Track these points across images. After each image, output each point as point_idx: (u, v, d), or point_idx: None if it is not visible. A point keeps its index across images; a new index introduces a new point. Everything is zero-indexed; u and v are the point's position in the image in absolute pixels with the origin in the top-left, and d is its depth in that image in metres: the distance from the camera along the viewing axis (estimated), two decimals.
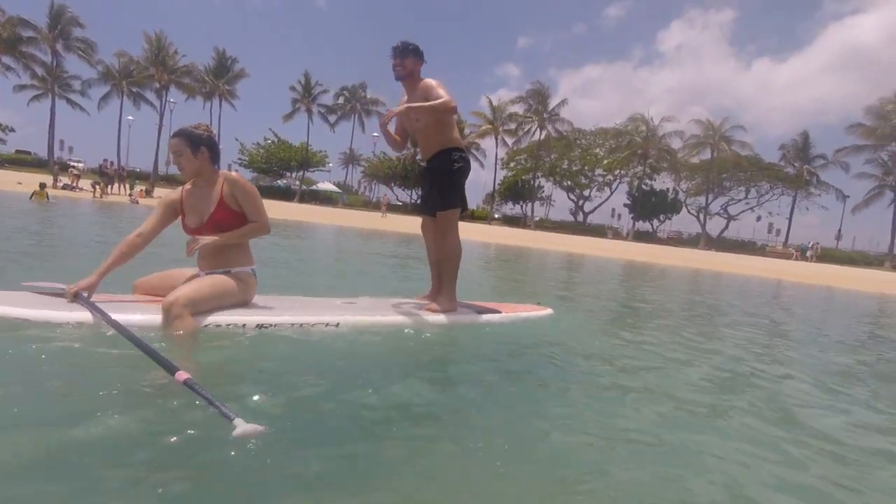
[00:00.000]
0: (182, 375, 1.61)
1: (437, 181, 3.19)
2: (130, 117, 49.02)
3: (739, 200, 46.54)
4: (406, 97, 3.20)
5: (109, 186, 22.97)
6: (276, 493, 1.22)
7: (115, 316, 2.14)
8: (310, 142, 52.00)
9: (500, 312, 3.36)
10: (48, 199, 15.45)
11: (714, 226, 47.56)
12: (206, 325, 2.32)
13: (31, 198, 14.91)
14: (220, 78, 48.57)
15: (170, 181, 45.53)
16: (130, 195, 22.34)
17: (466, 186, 3.31)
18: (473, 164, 3.20)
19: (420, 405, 1.88)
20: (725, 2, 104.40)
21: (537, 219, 49.75)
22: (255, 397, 1.72)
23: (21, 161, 43.86)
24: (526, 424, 1.81)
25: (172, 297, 2.20)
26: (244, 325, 2.38)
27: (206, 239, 2.42)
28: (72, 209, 13.62)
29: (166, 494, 1.16)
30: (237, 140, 32.93)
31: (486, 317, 3.26)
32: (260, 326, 2.41)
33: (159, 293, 2.52)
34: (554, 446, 1.66)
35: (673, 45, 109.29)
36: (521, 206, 52.44)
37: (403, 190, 50.14)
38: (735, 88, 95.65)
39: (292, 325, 2.49)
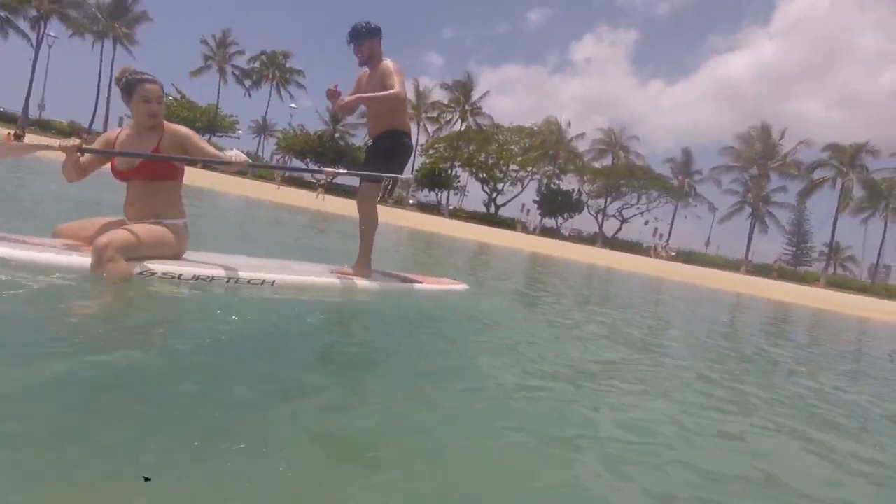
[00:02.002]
0: None
1: (376, 158, 3.29)
2: None
3: (632, 205, 51.48)
4: (367, 73, 3.32)
5: None
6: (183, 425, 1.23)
7: (40, 254, 2.16)
8: (220, 105, 48.33)
9: (419, 282, 3.56)
10: None
11: (610, 226, 51.98)
12: (140, 273, 2.30)
13: None
14: (117, 19, 43.25)
15: (44, 127, 39.88)
16: None
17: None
18: None
19: (331, 363, 2.02)
20: (632, 23, 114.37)
21: (451, 207, 50.85)
22: (182, 345, 1.78)
23: None
24: (430, 392, 1.83)
25: (105, 239, 2.16)
26: (180, 276, 2.39)
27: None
28: None
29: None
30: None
31: (405, 285, 3.45)
32: (196, 278, 2.41)
33: (82, 240, 2.47)
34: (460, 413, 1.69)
35: (584, 56, 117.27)
36: (437, 194, 53.22)
37: (319, 166, 48.50)
38: (632, 104, 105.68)
39: (228, 279, 2.54)
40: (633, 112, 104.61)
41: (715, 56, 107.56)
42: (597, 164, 50.74)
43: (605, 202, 50.53)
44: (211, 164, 2.69)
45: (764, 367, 3.68)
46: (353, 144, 46.54)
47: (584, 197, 52.10)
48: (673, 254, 42.49)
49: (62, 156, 2.44)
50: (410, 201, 50.38)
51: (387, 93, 3.07)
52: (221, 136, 49.38)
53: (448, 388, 1.89)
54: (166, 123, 2.55)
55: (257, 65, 50.37)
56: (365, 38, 3.21)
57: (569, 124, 50.31)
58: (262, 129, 57.76)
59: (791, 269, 40.10)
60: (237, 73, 49.77)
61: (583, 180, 51.46)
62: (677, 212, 50.00)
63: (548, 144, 49.09)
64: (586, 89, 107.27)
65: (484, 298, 4.28)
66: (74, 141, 2.42)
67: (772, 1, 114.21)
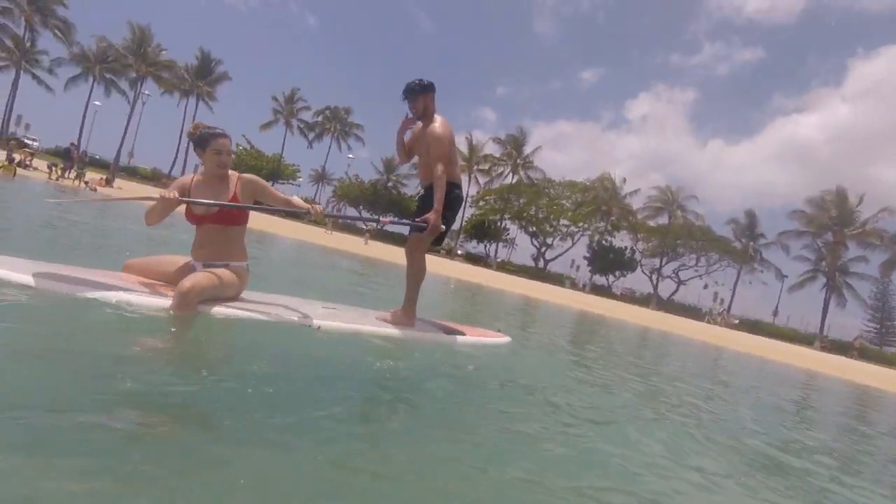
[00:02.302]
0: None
1: (425, 207, 3.30)
2: (98, 103, 46.65)
3: (690, 267, 48.99)
4: (414, 118, 3.39)
5: (69, 171, 21.76)
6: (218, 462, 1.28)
7: (125, 295, 2.32)
8: (284, 154, 51.72)
9: (462, 333, 3.53)
10: (14, 175, 15.27)
11: (666, 288, 49.66)
12: (202, 313, 2.45)
13: (0, 171, 14.92)
14: (202, 79, 48.05)
15: (130, 173, 43.97)
16: (87, 183, 20.99)
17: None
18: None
19: (368, 413, 1.98)
20: (689, 83, 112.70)
21: (500, 260, 50.64)
22: (227, 382, 1.86)
23: None
24: (467, 445, 1.81)
25: (189, 283, 2.36)
26: (237, 318, 2.52)
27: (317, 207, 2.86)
28: (43, 190, 12.99)
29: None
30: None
31: (448, 336, 3.41)
32: (251, 319, 2.55)
33: (150, 276, 2.69)
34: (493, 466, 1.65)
35: (639, 113, 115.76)
36: (485, 246, 53.35)
37: (371, 213, 50.25)
38: (691, 162, 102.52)
39: (279, 322, 2.63)
40: (692, 171, 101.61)
41: (781, 117, 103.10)
42: (652, 223, 49.28)
43: (661, 262, 48.58)
44: (292, 213, 2.87)
45: (856, 461, 3.20)
46: (405, 194, 48.08)
47: (637, 255, 50.47)
48: (735, 322, 39.53)
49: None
50: (459, 252, 50.71)
51: (440, 194, 3.13)
52: (283, 183, 52.37)
53: (470, 457, 1.70)
54: (239, 174, 2.77)
55: (321, 119, 53.89)
56: (419, 95, 3.29)
57: (623, 181, 49.66)
58: (321, 177, 60.84)
59: (875, 349, 35.65)
60: (301, 126, 53.34)
61: (636, 238, 50.02)
62: (740, 277, 46.93)
63: (600, 200, 48.42)
64: (643, 146, 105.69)
65: (527, 354, 4.07)
66: (173, 194, 2.53)
67: (843, 63, 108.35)
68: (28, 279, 2.25)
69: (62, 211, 7.78)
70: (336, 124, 53.84)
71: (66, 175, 21.44)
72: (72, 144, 23.51)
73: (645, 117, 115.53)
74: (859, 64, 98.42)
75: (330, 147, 55.00)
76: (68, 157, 22.07)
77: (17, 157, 20.60)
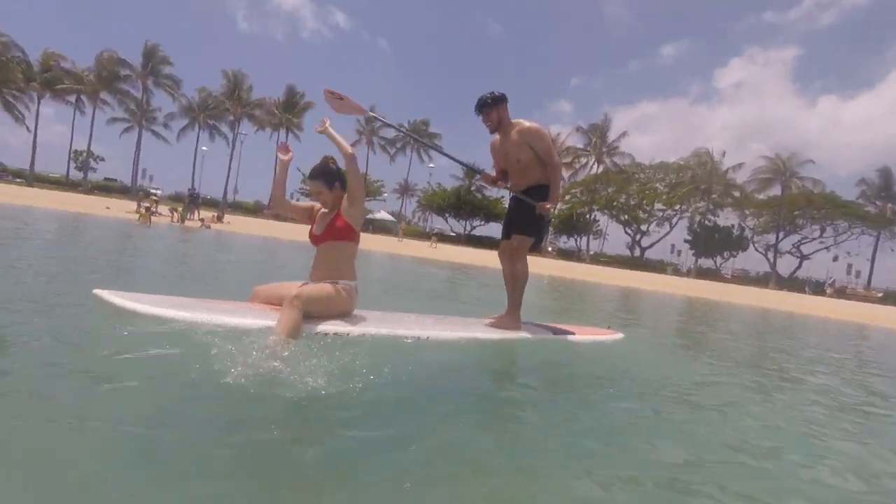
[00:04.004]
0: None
1: (524, 209, 3.35)
2: (205, 147, 52.46)
3: (813, 239, 43.64)
4: (498, 139, 3.45)
5: (194, 213, 24.08)
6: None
7: (235, 320, 2.44)
8: (368, 172, 54.08)
9: (572, 333, 3.42)
10: (150, 223, 17.54)
11: (785, 264, 44.68)
12: (315, 333, 2.53)
13: (138, 220, 17.27)
14: (289, 111, 51.89)
15: (236, 208, 48.56)
16: (202, 220, 22.58)
17: None
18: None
19: (485, 416, 1.96)
20: (788, 40, 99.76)
21: (592, 252, 48.76)
22: (344, 395, 1.87)
23: (108, 188, 48.46)
24: (586, 448, 1.74)
25: (296, 290, 2.49)
26: (348, 334, 2.60)
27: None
28: (181, 234, 14.81)
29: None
30: (299, 170, 35.48)
31: (558, 336, 3.36)
32: (362, 335, 2.62)
33: (274, 301, 2.81)
34: (609, 472, 1.56)
35: (731, 81, 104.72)
36: (576, 240, 51.67)
37: (457, 220, 50.85)
38: (799, 126, 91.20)
39: (386, 336, 2.69)
40: (802, 134, 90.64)
41: None
42: (761, 196, 44.58)
43: (777, 237, 43.78)
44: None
45: None
46: (489, 197, 47.99)
47: (747, 233, 45.97)
48: (879, 295, 34.49)
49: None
50: (549, 248, 49.58)
51: (558, 180, 3.41)
52: (370, 200, 54.83)
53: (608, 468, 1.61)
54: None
55: (401, 134, 55.72)
56: (492, 107, 3.33)
57: (723, 154, 45.67)
58: (405, 189, 62.80)
59: None
60: (382, 142, 55.50)
61: (744, 214, 45.56)
62: (879, 244, 40.97)
63: (698, 179, 44.80)
64: (739, 116, 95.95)
65: (644, 350, 3.82)
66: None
67: None
68: (163, 311, 2.40)
69: (190, 251, 8.73)
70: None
71: (192, 217, 23.64)
72: (191, 188, 26.30)
73: (739, 85, 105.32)
74: None
75: (411, 159, 56.74)
76: (194, 202, 24.62)
77: (148, 206, 23.08)
